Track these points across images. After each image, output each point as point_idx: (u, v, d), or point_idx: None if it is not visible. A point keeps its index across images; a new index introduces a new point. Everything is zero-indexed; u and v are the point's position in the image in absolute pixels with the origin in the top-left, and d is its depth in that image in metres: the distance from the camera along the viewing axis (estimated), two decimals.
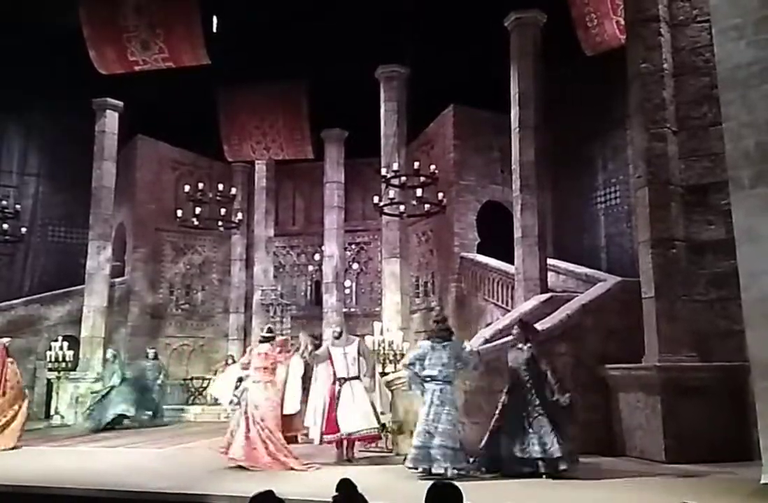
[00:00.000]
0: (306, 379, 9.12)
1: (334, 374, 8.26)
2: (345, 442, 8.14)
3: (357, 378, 8.20)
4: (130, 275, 17.96)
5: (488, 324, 11.87)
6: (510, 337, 7.75)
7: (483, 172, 16.15)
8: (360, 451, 8.79)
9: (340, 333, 8.56)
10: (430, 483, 3.54)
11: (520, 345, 7.14)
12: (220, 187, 15.01)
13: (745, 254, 5.46)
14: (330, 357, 8.36)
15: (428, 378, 7.08)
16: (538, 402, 6.75)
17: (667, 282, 8.09)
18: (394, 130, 15.33)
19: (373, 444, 8.77)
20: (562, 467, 6.54)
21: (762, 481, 5.83)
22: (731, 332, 7.60)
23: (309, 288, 19.63)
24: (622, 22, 10.06)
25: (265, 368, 8.08)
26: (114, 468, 7.95)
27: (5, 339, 10.37)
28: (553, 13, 12.20)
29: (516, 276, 12.09)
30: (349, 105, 15.02)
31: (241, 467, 7.53)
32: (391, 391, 9.16)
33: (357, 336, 9.56)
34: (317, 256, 18.97)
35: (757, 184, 5.35)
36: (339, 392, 8.10)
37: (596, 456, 7.70)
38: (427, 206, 12.53)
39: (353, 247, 19.19)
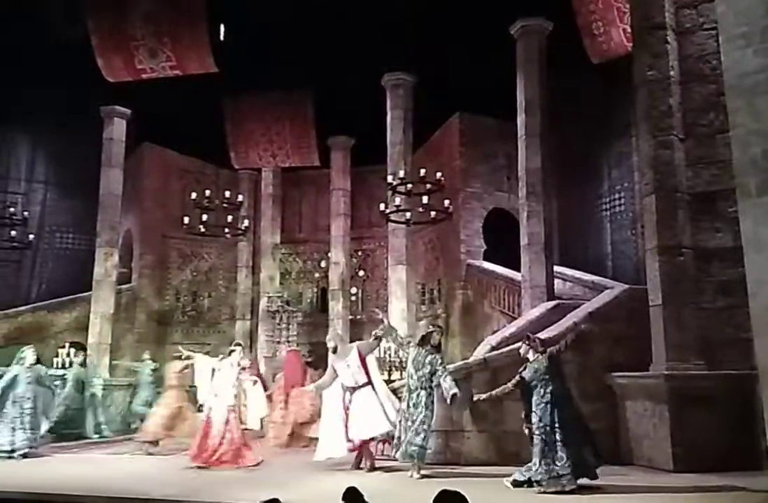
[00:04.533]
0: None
1: (342, 385, 8.28)
2: (359, 450, 8.14)
3: (367, 384, 8.16)
4: (137, 282, 18.00)
5: (495, 332, 11.85)
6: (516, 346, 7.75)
7: (489, 179, 16.17)
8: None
9: (335, 348, 8.50)
10: (436, 490, 3.54)
11: (532, 357, 6.91)
12: (227, 194, 15.04)
13: (752, 262, 5.44)
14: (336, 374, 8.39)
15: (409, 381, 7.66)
16: (558, 416, 6.57)
17: (674, 290, 8.07)
18: (400, 137, 15.38)
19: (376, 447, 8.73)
20: (569, 487, 6.40)
21: None
22: (739, 340, 7.57)
23: (315, 295, 19.64)
24: (629, 30, 10.07)
25: None
26: (119, 475, 7.95)
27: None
28: (559, 20, 12.23)
29: (522, 284, 12.07)
30: (355, 112, 15.07)
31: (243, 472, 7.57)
32: (398, 398, 9.15)
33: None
34: (323, 263, 18.98)
35: (764, 192, 5.34)
36: (350, 401, 8.13)
37: (603, 465, 7.66)
38: (433, 213, 12.56)
39: (359, 254, 19.20)
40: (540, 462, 6.47)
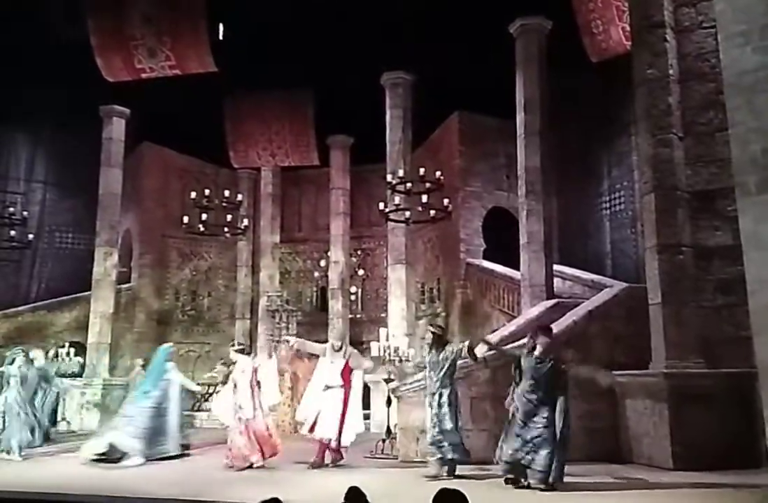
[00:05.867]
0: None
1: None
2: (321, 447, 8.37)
3: (340, 387, 8.48)
4: (137, 281, 18.01)
5: (494, 331, 11.86)
6: (524, 341, 7.76)
7: (488, 178, 16.17)
8: (365, 458, 8.81)
9: (341, 347, 8.79)
10: (436, 488, 3.54)
11: (538, 354, 6.78)
12: (226, 193, 15.04)
13: (752, 260, 5.44)
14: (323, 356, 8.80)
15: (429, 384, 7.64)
16: (546, 414, 6.55)
17: (674, 289, 8.07)
18: (399, 136, 15.37)
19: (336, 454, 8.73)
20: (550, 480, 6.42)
21: None
22: (738, 338, 7.57)
23: (315, 294, 19.65)
24: (628, 29, 10.07)
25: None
26: (123, 475, 7.95)
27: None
28: (559, 19, 12.23)
29: (522, 283, 12.08)
30: (354, 111, 15.06)
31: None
32: (397, 398, 9.17)
33: (362, 343, 9.69)
34: (323, 262, 18.99)
35: (763, 190, 5.33)
36: (322, 397, 8.47)
37: (603, 464, 7.68)
38: (432, 212, 12.55)
39: (359, 253, 19.20)
40: (505, 445, 6.68)
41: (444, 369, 7.50)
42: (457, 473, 7.26)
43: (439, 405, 7.44)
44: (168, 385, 9.35)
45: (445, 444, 7.29)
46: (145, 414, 9.02)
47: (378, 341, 10.85)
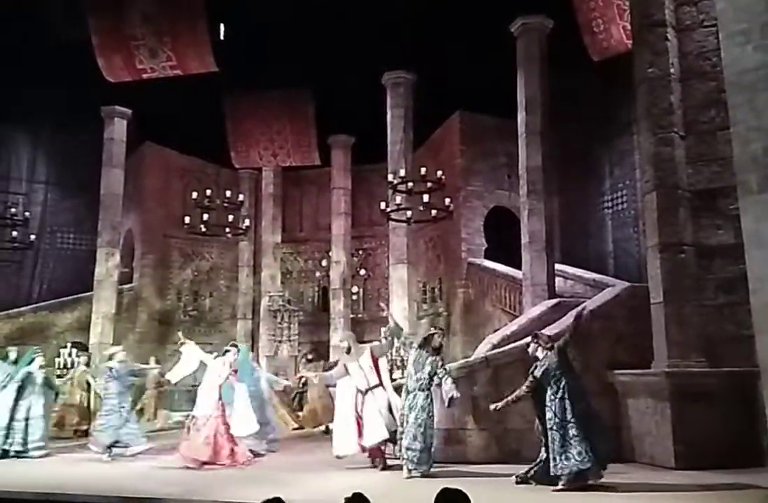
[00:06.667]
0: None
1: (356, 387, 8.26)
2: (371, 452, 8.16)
3: (378, 385, 8.17)
4: (138, 281, 18.03)
5: (496, 330, 11.84)
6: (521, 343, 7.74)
7: (490, 177, 16.18)
8: (367, 457, 8.79)
9: (349, 349, 8.53)
10: (437, 488, 3.54)
11: (542, 355, 6.77)
12: (228, 193, 15.07)
13: (753, 259, 5.43)
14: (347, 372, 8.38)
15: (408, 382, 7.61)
16: (573, 411, 6.46)
17: (675, 288, 8.05)
18: (400, 136, 15.38)
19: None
20: (594, 481, 6.38)
21: None
22: (740, 337, 7.55)
23: (316, 294, 19.66)
24: (629, 27, 10.06)
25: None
26: (123, 474, 7.95)
27: None
28: (560, 18, 12.23)
29: (524, 282, 12.07)
30: (355, 111, 15.09)
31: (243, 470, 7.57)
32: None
33: (363, 342, 9.59)
34: (324, 262, 19.00)
35: (765, 188, 5.33)
36: (362, 403, 8.10)
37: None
38: (434, 212, 12.56)
39: (360, 252, 19.21)
40: (560, 457, 6.37)
41: (426, 373, 7.44)
42: (458, 469, 7.25)
43: (411, 407, 7.38)
44: (258, 382, 9.71)
45: (403, 447, 7.26)
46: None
47: (380, 341, 10.79)
